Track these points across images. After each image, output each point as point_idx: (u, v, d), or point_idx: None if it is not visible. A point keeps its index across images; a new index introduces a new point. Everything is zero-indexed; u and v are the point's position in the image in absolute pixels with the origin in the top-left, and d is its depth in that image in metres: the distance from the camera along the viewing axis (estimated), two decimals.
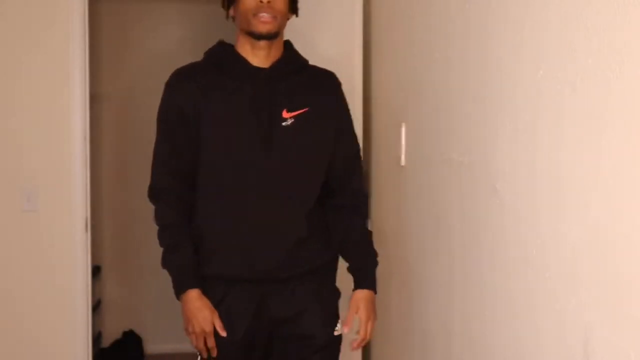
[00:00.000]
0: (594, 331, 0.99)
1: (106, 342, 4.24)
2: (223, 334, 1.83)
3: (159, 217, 1.91)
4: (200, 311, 1.83)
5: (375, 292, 1.95)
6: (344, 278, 2.03)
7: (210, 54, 1.95)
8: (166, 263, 1.88)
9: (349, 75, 2.64)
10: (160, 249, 1.92)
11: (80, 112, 2.87)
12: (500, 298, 1.37)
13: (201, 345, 1.85)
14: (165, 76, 1.96)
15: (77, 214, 2.88)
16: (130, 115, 4.13)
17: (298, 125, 1.87)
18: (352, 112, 2.62)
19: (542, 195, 1.17)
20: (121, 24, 4.23)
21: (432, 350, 1.86)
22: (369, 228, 2.64)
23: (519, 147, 1.26)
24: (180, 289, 1.86)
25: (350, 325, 1.88)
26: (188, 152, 1.88)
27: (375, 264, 1.98)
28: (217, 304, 1.86)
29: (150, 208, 1.94)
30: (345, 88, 2.47)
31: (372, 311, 1.93)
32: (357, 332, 1.92)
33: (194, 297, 1.84)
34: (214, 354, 1.85)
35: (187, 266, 1.86)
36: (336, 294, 2.00)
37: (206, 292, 1.88)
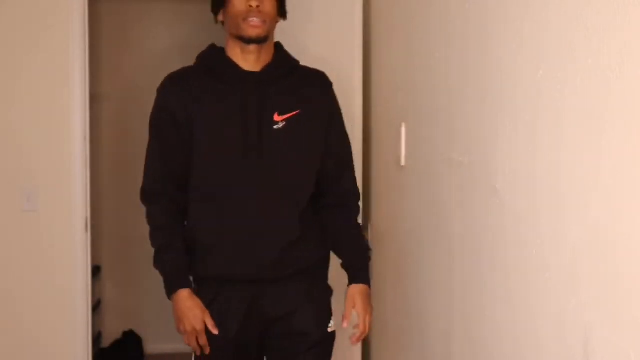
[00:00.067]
0: (594, 331, 0.99)
1: (106, 342, 4.24)
2: (215, 331, 1.87)
3: (151, 219, 1.95)
4: (191, 310, 1.87)
5: (370, 286, 2.00)
6: (336, 275, 2.06)
7: (202, 58, 1.97)
8: (158, 263, 1.92)
9: (349, 76, 2.65)
10: None
11: (80, 112, 2.87)
12: (500, 298, 1.37)
13: (193, 343, 1.89)
14: (165, 76, 1.97)
15: (77, 214, 2.88)
16: (130, 115, 4.13)
17: (290, 128, 1.90)
18: (352, 112, 2.63)
19: (542, 195, 1.17)
20: (121, 24, 4.23)
21: (432, 350, 1.86)
22: (369, 228, 2.65)
23: (519, 147, 1.26)
24: (171, 289, 1.90)
25: (349, 319, 1.92)
26: (180, 156, 1.91)
27: (368, 258, 2.04)
28: (210, 304, 1.90)
29: None
30: (345, 88, 2.48)
31: (369, 304, 1.98)
32: (355, 327, 1.96)
33: (185, 296, 1.88)
34: (207, 351, 1.89)
35: (178, 266, 1.90)
36: (328, 291, 2.03)
37: (199, 292, 1.92)
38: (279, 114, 1.90)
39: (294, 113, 1.91)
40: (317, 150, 1.96)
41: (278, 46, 1.99)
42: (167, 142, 1.92)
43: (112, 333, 4.27)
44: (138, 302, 4.28)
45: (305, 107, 1.93)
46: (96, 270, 3.92)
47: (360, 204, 2.63)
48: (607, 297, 0.96)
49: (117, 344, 4.22)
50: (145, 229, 1.98)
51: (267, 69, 1.92)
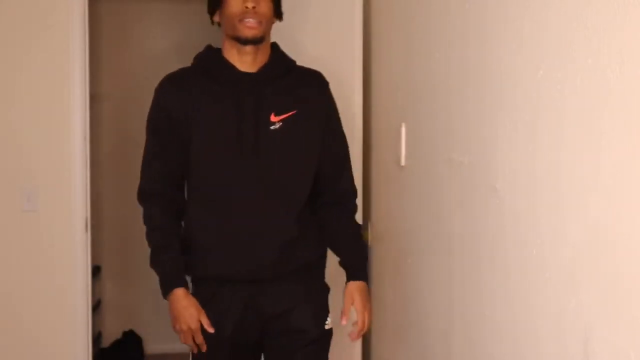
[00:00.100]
0: (594, 331, 0.99)
1: (106, 342, 4.24)
2: (210, 330, 1.89)
3: (147, 219, 1.96)
4: (186, 309, 1.88)
5: (368, 283, 2.02)
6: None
7: (199, 59, 1.98)
8: (154, 263, 1.94)
9: (349, 76, 2.64)
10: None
11: (80, 112, 2.87)
12: (500, 298, 1.37)
13: (190, 342, 1.91)
14: (163, 77, 1.98)
15: (77, 214, 2.88)
16: (130, 115, 4.13)
17: (286, 128, 1.91)
18: (352, 112, 2.63)
19: (542, 195, 1.17)
20: (121, 24, 4.23)
21: (432, 350, 1.86)
22: (369, 228, 2.65)
23: (519, 147, 1.26)
24: (166, 289, 1.91)
25: (348, 316, 1.95)
26: (177, 156, 1.92)
27: (366, 256, 2.07)
28: (207, 303, 1.92)
29: None
30: (345, 88, 2.48)
31: (367, 301, 2.00)
32: (354, 324, 1.98)
33: (180, 295, 1.89)
34: (204, 349, 1.91)
35: (173, 266, 1.92)
36: (325, 289, 2.05)
37: (197, 292, 1.94)
38: (276, 115, 1.91)
39: (291, 113, 1.92)
40: (314, 150, 1.97)
41: (274, 46, 2.00)
42: (164, 143, 1.93)
43: (112, 333, 4.27)
44: (138, 302, 4.28)
45: (301, 107, 1.94)
46: (96, 270, 3.92)
47: (360, 203, 2.64)
48: (607, 297, 0.96)
49: (117, 344, 4.22)
50: (145, 228, 1.99)
51: (264, 70, 1.93)
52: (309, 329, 1.95)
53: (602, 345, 0.97)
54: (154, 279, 1.96)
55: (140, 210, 1.99)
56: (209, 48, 2.00)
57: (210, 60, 1.95)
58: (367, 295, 2.01)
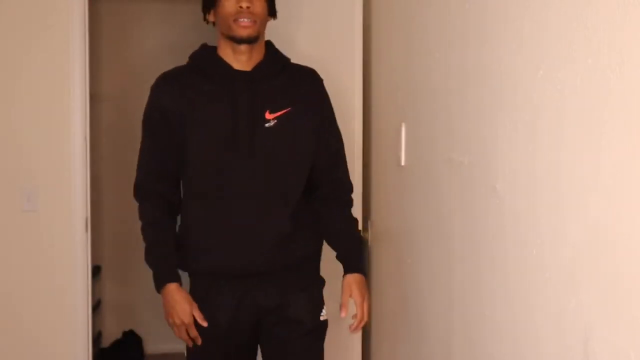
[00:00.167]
0: (594, 331, 0.99)
1: (106, 342, 4.24)
2: (204, 324, 1.92)
3: (142, 215, 2.00)
4: (179, 304, 1.92)
5: (365, 275, 2.05)
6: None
7: (194, 58, 2.01)
8: (148, 258, 1.98)
9: (349, 76, 2.65)
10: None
11: (80, 112, 2.87)
12: (500, 298, 1.37)
13: (184, 335, 1.94)
14: (158, 75, 2.00)
15: (77, 214, 2.88)
16: (130, 115, 4.12)
17: (281, 125, 1.94)
18: (352, 112, 2.63)
19: (542, 195, 1.17)
20: (121, 24, 4.23)
21: (432, 350, 1.86)
22: (369, 228, 2.65)
23: (519, 147, 1.26)
24: (160, 283, 1.95)
25: (347, 308, 1.97)
26: (171, 154, 1.95)
27: (362, 248, 2.11)
28: (202, 297, 1.95)
29: None
30: (345, 88, 2.48)
31: (365, 292, 2.04)
32: (354, 317, 2.01)
33: (173, 290, 1.93)
34: (198, 342, 1.94)
35: (167, 261, 1.95)
36: (320, 281, 2.09)
37: (193, 287, 1.99)
38: (270, 112, 1.93)
39: (285, 111, 1.95)
40: (308, 147, 2.00)
41: (269, 45, 2.02)
42: (159, 140, 1.96)
43: (112, 333, 4.27)
44: (138, 302, 4.28)
45: (296, 105, 1.97)
46: (96, 270, 3.92)
47: (360, 203, 2.64)
48: (607, 297, 0.96)
49: (117, 344, 4.22)
50: None
51: (258, 68, 1.96)
52: (304, 320, 1.99)
53: (602, 345, 0.97)
54: None
55: None
56: (204, 46, 2.02)
57: (205, 59, 1.98)
58: (365, 287, 2.04)
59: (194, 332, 1.93)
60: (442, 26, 1.75)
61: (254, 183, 1.91)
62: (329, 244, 2.09)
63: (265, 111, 1.92)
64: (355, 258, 2.05)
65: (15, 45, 2.83)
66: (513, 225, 1.30)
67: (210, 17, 1.96)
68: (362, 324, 2.02)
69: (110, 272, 4.29)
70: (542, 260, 1.16)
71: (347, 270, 2.03)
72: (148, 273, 2.01)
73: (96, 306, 3.94)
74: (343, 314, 1.97)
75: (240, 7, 1.86)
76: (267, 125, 1.92)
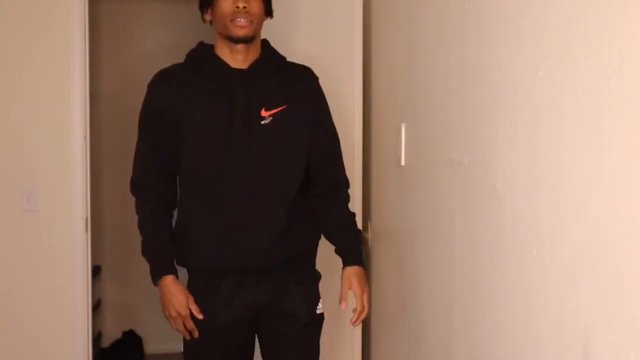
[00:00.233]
0: (594, 331, 0.99)
1: (106, 342, 4.24)
2: (199, 317, 1.95)
3: (139, 210, 2.03)
4: (175, 296, 1.94)
5: (364, 268, 2.07)
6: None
7: (191, 56, 2.04)
8: (144, 252, 2.01)
9: (349, 76, 2.65)
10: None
11: (80, 112, 2.87)
12: (500, 298, 1.37)
13: (180, 327, 1.97)
14: (155, 73, 2.03)
15: (77, 214, 2.88)
16: (130, 115, 4.11)
17: (276, 123, 1.96)
18: (352, 112, 2.63)
19: (542, 195, 1.17)
20: (121, 24, 4.22)
21: (432, 350, 1.86)
22: (369, 228, 2.65)
23: (519, 147, 1.26)
24: (156, 276, 1.98)
25: (346, 300, 1.99)
26: (167, 150, 1.98)
27: (361, 242, 2.13)
28: (200, 292, 1.98)
29: None
30: (345, 89, 2.49)
31: (365, 284, 2.06)
32: (354, 310, 2.03)
33: (169, 282, 1.96)
34: (195, 334, 1.97)
35: (162, 254, 1.99)
36: (316, 276, 2.11)
37: (191, 281, 2.01)
38: (266, 110, 1.96)
39: (281, 108, 1.97)
40: (303, 144, 2.02)
41: (265, 43, 2.05)
42: (155, 137, 1.99)
43: (112, 333, 4.27)
44: (138, 302, 4.28)
45: (291, 103, 1.99)
46: (96, 270, 3.92)
47: (360, 203, 2.64)
48: (607, 297, 0.96)
49: (117, 344, 4.22)
50: None
51: (254, 66, 1.98)
52: (301, 314, 2.02)
53: (602, 345, 0.97)
54: None
55: None
56: (201, 45, 2.05)
57: (202, 57, 2.00)
58: (365, 280, 2.06)
59: (190, 324, 1.96)
60: (442, 26, 1.75)
61: (249, 180, 1.94)
62: (328, 239, 2.12)
63: (261, 109, 1.95)
64: (355, 251, 2.08)
65: (15, 45, 2.83)
66: (513, 225, 1.30)
67: (207, 17, 1.98)
68: (363, 316, 2.04)
69: (110, 272, 4.29)
70: (542, 260, 1.16)
71: (346, 263, 2.06)
72: (148, 273, 2.02)
73: (96, 306, 3.94)
74: (343, 307, 1.99)
75: (237, 7, 1.89)
76: (262, 122, 1.94)
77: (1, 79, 2.83)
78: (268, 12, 2.01)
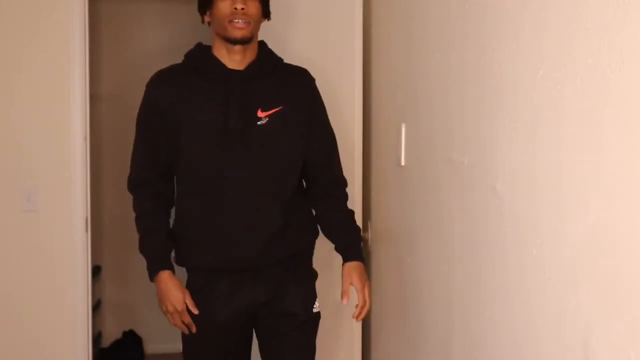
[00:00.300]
0: (594, 331, 0.99)
1: (106, 342, 4.24)
2: (195, 311, 1.97)
3: (136, 207, 2.06)
4: (171, 292, 1.96)
5: (364, 263, 2.09)
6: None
7: (189, 56, 2.06)
8: (141, 248, 2.02)
9: (349, 76, 2.64)
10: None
11: (80, 112, 2.87)
12: (500, 298, 1.37)
13: (178, 322, 1.99)
14: (154, 73, 2.05)
15: (77, 214, 2.88)
16: (130, 115, 4.10)
17: (273, 123, 1.98)
18: (352, 112, 2.63)
19: (542, 195, 1.17)
20: (121, 24, 4.22)
21: (431, 350, 1.86)
22: (369, 228, 2.65)
23: (519, 147, 1.26)
24: (153, 271, 2.00)
25: (348, 294, 2.02)
26: (164, 149, 2.00)
27: (360, 238, 2.14)
28: (198, 291, 2.00)
29: None
30: (345, 89, 2.49)
31: (365, 279, 2.08)
32: (356, 306, 2.04)
33: (166, 278, 1.98)
34: (193, 329, 1.99)
35: (159, 250, 2.00)
36: (313, 274, 2.13)
37: (189, 280, 2.03)
38: (262, 110, 1.97)
39: (277, 109, 1.99)
40: (299, 145, 2.04)
41: (262, 45, 2.07)
42: (153, 136, 2.01)
43: (112, 333, 4.27)
44: (138, 302, 4.28)
45: (288, 103, 2.01)
46: (96, 270, 3.92)
47: (360, 203, 2.64)
48: (607, 297, 0.96)
49: (117, 344, 4.22)
50: None
51: (251, 67, 2.00)
52: (298, 312, 2.04)
53: (602, 345, 0.97)
54: None
55: None
56: (199, 45, 2.07)
57: (200, 58, 2.02)
58: (365, 274, 2.08)
59: (187, 319, 1.97)
60: (442, 26, 1.75)
61: (246, 180, 1.95)
62: (327, 237, 2.14)
63: (258, 109, 1.97)
64: (354, 247, 2.09)
65: (16, 45, 2.82)
66: (513, 225, 1.30)
67: (207, 18, 2.01)
68: (365, 310, 2.05)
69: (110, 272, 4.29)
70: (542, 260, 1.16)
71: (346, 259, 2.07)
72: (145, 270, 2.03)
73: (96, 306, 3.94)
74: (345, 301, 2.01)
75: (235, 8, 1.91)
76: (259, 123, 1.96)
77: (1, 78, 2.83)
78: (265, 14, 2.02)
